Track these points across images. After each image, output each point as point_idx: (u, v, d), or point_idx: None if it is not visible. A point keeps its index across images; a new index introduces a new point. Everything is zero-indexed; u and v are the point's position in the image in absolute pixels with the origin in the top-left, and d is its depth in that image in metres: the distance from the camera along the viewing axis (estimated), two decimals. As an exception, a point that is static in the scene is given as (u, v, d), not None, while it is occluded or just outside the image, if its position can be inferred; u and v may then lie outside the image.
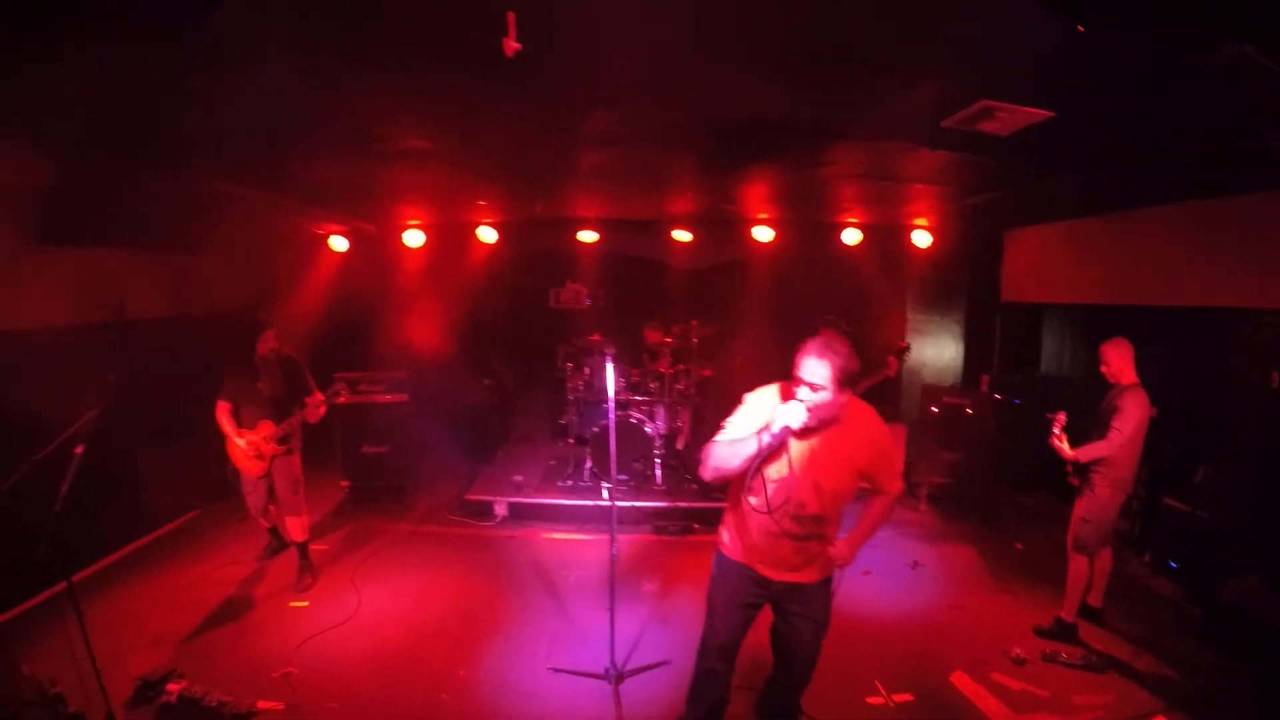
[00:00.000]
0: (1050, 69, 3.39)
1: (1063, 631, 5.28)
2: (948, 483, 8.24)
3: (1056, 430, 5.09)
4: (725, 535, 3.78)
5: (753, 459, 3.21)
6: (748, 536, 3.58)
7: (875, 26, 3.08)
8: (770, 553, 3.54)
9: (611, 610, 4.72)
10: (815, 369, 3.14)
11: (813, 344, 3.20)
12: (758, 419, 3.31)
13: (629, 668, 4.85)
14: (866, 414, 3.47)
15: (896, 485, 3.68)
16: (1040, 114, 4.05)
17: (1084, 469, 5.11)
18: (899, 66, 3.57)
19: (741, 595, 3.71)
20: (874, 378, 6.39)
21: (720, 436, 3.44)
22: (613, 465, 4.87)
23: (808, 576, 3.60)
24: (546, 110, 4.37)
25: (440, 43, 3.27)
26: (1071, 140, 4.64)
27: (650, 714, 4.48)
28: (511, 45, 2.81)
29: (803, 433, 3.23)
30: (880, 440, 3.51)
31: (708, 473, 3.42)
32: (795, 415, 3.14)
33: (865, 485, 3.62)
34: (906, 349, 6.54)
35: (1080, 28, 2.64)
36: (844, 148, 5.40)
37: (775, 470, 3.34)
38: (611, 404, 4.87)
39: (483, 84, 3.80)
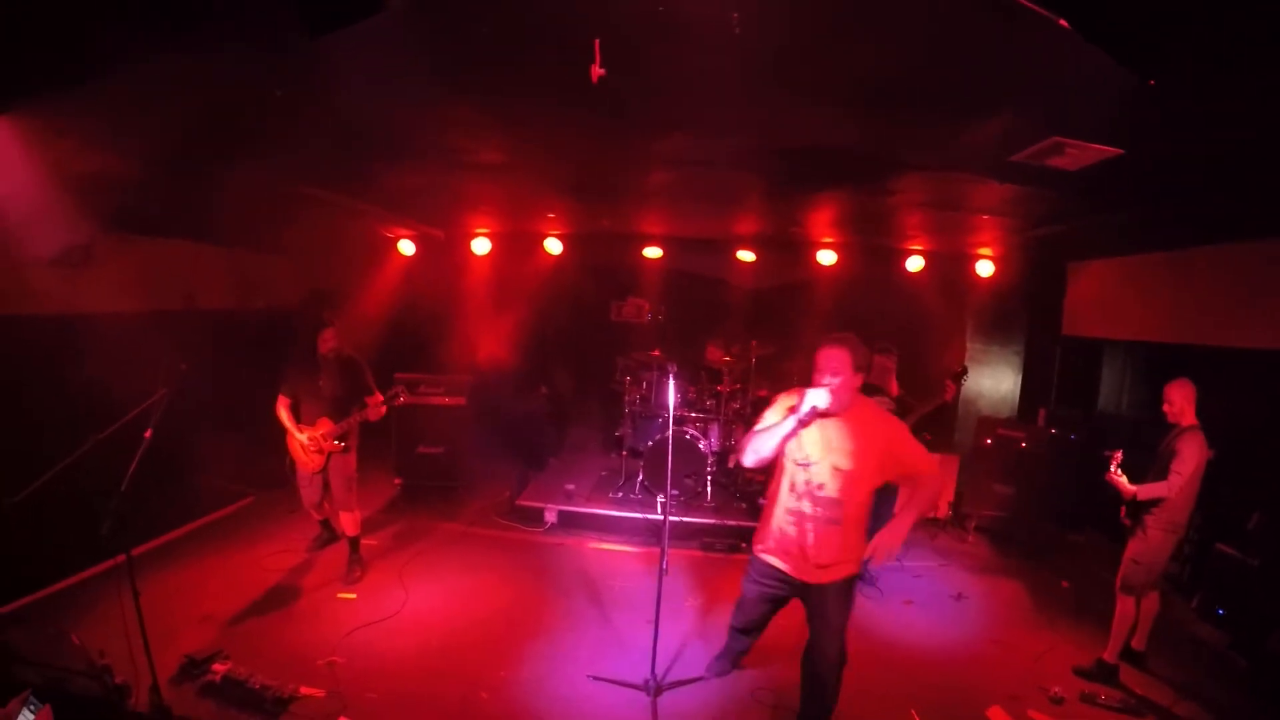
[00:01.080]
0: (1122, 111, 3.39)
1: (1103, 672, 5.14)
2: (998, 516, 8.06)
3: (1114, 467, 4.96)
4: (759, 533, 4.24)
5: (786, 439, 3.79)
6: (774, 527, 4.06)
7: (955, 64, 3.09)
8: (795, 543, 3.95)
9: (656, 623, 4.68)
10: (833, 355, 3.74)
11: (827, 339, 3.81)
12: (785, 411, 3.85)
13: (667, 681, 4.80)
14: (873, 405, 4.01)
15: (927, 465, 3.94)
16: (1109, 151, 4.02)
17: (1138, 510, 4.97)
18: (975, 102, 3.57)
19: (767, 590, 4.25)
20: (932, 403, 6.26)
21: (757, 427, 3.94)
22: (668, 479, 4.85)
23: (828, 577, 3.96)
24: (623, 132, 4.45)
25: (529, 68, 3.38)
26: (1139, 176, 4.57)
27: (687, 727, 4.42)
28: (597, 71, 2.94)
29: (824, 416, 3.74)
30: (890, 424, 3.97)
31: (747, 456, 3.94)
32: (821, 397, 3.65)
33: (895, 480, 3.99)
34: (964, 373, 6.39)
35: (1150, 82, 2.59)
36: (912, 177, 5.38)
37: (799, 453, 3.86)
38: (671, 420, 4.86)
39: (564, 105, 3.91)
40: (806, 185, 5.88)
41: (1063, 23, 2.44)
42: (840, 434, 3.79)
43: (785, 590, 4.16)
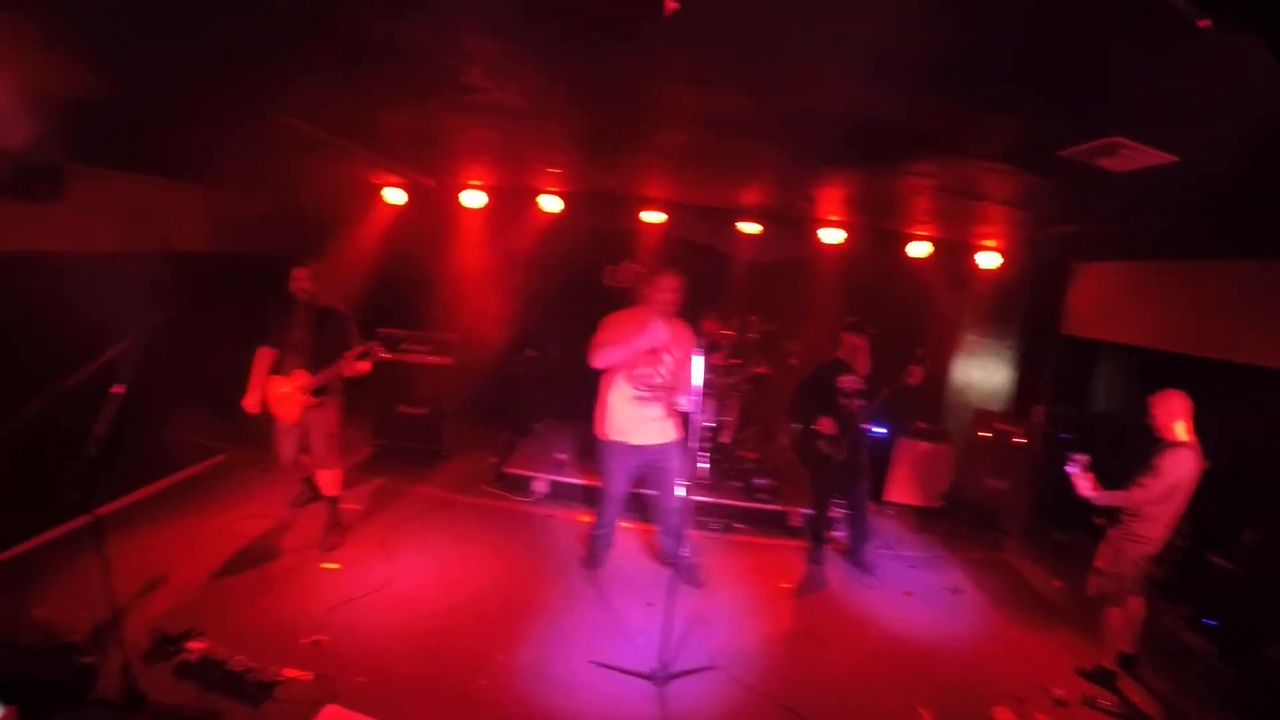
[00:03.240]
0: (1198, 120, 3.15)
1: (1103, 677, 5.08)
2: (992, 510, 7.98)
3: (1075, 468, 4.89)
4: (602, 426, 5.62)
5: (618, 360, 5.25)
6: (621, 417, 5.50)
7: (1055, 47, 2.77)
8: (640, 424, 5.45)
9: (668, 612, 4.44)
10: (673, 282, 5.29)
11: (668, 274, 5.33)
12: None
13: (675, 669, 4.56)
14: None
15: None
16: (1165, 157, 3.77)
17: (1114, 517, 4.91)
18: (1063, 90, 3.25)
19: (628, 465, 5.60)
20: (896, 385, 6.10)
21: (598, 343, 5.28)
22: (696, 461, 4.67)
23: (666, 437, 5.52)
24: (665, 80, 4.04)
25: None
26: (1175, 184, 4.29)
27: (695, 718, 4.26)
28: (670, 4, 2.56)
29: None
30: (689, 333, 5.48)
31: (602, 359, 5.25)
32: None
33: None
34: (926, 355, 6.20)
35: None
36: (938, 161, 5.07)
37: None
38: (698, 395, 4.57)
39: (613, 45, 3.49)
40: (831, 159, 5.55)
41: (1204, 23, 2.15)
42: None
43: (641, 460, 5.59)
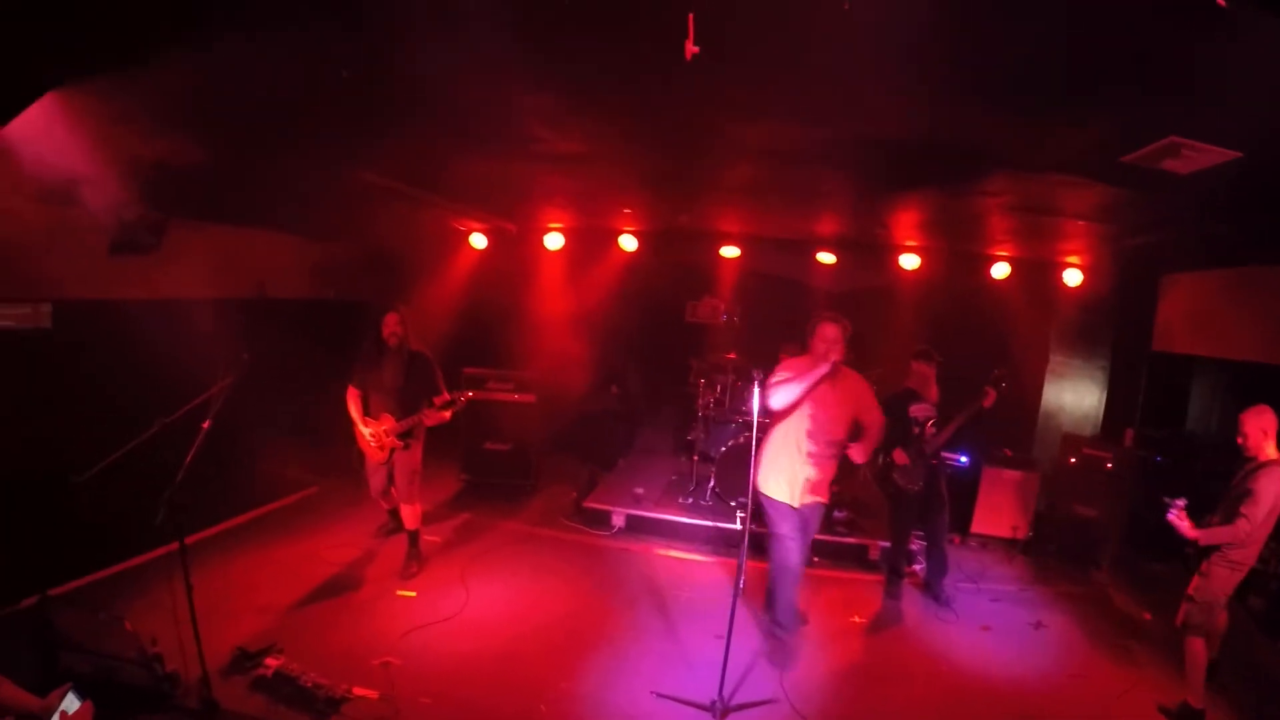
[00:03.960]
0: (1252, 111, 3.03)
1: (1187, 716, 4.68)
2: (1081, 540, 7.57)
3: (1174, 514, 4.56)
4: (771, 483, 5.11)
5: (806, 391, 4.84)
6: (787, 468, 5.05)
7: (1084, 53, 2.76)
8: (804, 478, 5.04)
9: (728, 642, 4.36)
10: (832, 331, 4.91)
11: (829, 315, 5.01)
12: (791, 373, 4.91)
13: (735, 702, 4.51)
14: (853, 373, 5.27)
15: (878, 416, 5.29)
16: (1228, 154, 3.62)
17: (1204, 548, 4.59)
18: (1098, 96, 3.20)
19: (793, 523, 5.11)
20: (970, 409, 5.92)
21: (774, 381, 4.93)
22: (750, 492, 4.65)
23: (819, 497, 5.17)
24: (709, 118, 4.16)
25: (617, 44, 3.12)
26: (1255, 183, 4.11)
27: (753, 755, 4.15)
28: (690, 49, 2.69)
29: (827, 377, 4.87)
30: (862, 385, 5.26)
31: (776, 400, 4.86)
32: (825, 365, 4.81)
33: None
34: (1004, 377, 6.00)
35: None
36: (1008, 178, 5.00)
37: (806, 407, 4.97)
38: (755, 427, 4.61)
39: (651, 90, 3.65)
40: (896, 183, 5.54)
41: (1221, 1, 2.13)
42: (834, 391, 5.01)
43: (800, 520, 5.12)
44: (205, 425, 4.03)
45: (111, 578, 5.32)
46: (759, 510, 5.16)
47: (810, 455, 5.00)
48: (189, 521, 5.40)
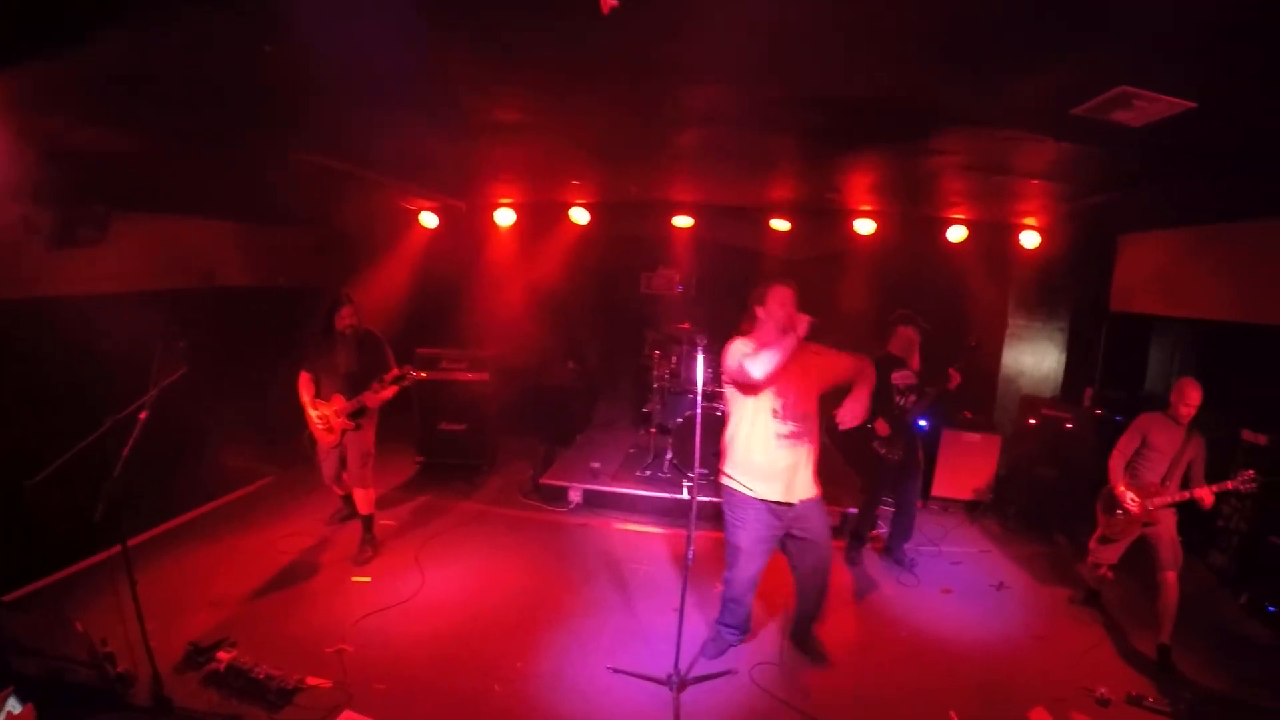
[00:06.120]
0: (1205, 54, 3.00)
1: (1164, 659, 4.93)
2: (1041, 500, 7.70)
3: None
4: (741, 476, 4.48)
5: (780, 362, 4.11)
6: (761, 459, 4.41)
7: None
8: (781, 473, 4.40)
9: (681, 615, 4.40)
10: (788, 293, 4.41)
11: (783, 280, 4.50)
12: (751, 348, 4.28)
13: (693, 674, 4.56)
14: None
15: (856, 360, 4.75)
16: (1181, 104, 3.57)
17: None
18: (1041, 45, 3.15)
19: (765, 527, 4.48)
20: (937, 389, 5.97)
21: (746, 351, 4.28)
22: (696, 460, 4.50)
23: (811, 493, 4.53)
24: (640, 79, 4.07)
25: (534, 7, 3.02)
26: (1212, 134, 4.09)
27: (711, 727, 4.18)
28: (608, 1, 2.56)
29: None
30: (813, 346, 4.41)
31: (757, 370, 4.14)
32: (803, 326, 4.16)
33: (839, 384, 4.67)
34: (977, 347, 6.02)
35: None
36: (959, 135, 4.93)
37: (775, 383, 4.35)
38: (699, 395, 4.54)
39: (571, 46, 3.55)
40: (845, 145, 5.44)
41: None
42: (793, 361, 4.26)
43: (781, 521, 4.49)
44: (142, 416, 3.92)
45: (65, 580, 5.20)
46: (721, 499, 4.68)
47: (786, 437, 4.38)
48: (139, 518, 5.35)
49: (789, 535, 4.56)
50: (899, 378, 6.11)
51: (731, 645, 4.91)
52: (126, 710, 3.87)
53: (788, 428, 4.38)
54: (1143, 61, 3.20)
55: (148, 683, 3.87)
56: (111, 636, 3.97)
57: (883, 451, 6.11)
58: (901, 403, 6.07)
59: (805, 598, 4.83)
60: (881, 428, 6.03)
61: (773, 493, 4.38)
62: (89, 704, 3.85)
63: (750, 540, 4.49)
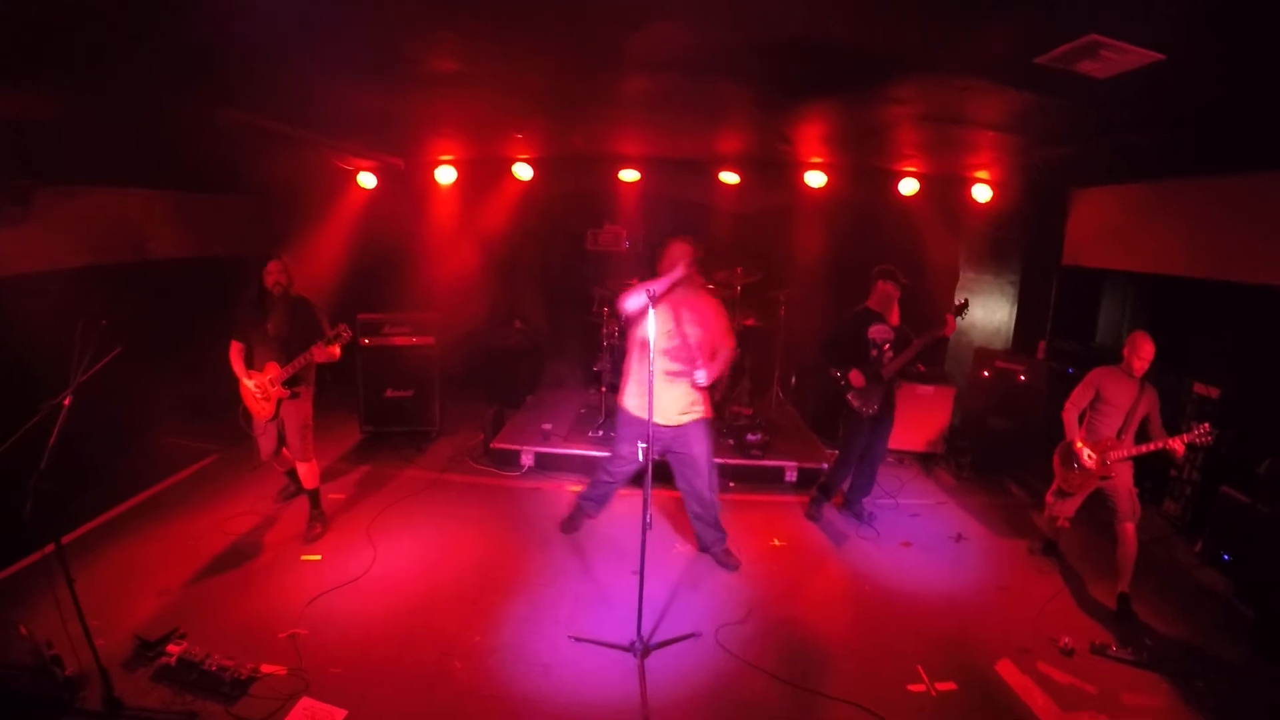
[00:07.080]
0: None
1: (1124, 608, 5.06)
2: (995, 452, 7.84)
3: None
4: (633, 401, 5.32)
5: (656, 299, 4.58)
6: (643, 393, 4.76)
7: None
8: (664, 401, 5.10)
9: (641, 577, 4.37)
10: (680, 248, 5.10)
11: (674, 236, 5.24)
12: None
13: (656, 640, 4.54)
14: (709, 297, 5.52)
15: (729, 340, 5.40)
16: (1150, 56, 3.51)
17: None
18: None
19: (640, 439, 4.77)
20: (929, 335, 5.93)
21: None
22: (650, 422, 4.44)
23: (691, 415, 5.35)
24: (583, 19, 3.87)
25: None
26: (1174, 89, 4.07)
27: (677, 692, 4.16)
28: None
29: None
30: (714, 307, 5.40)
31: (629, 305, 5.01)
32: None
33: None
34: (965, 306, 6.03)
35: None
36: (916, 83, 4.82)
37: (670, 325, 5.19)
38: (651, 350, 4.41)
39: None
40: (799, 91, 5.31)
41: None
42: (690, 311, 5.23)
43: (660, 440, 5.14)
44: (66, 402, 3.66)
45: (5, 582, 4.86)
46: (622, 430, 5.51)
47: (673, 375, 5.18)
48: (77, 509, 5.04)
49: (669, 451, 5.41)
50: (876, 332, 6.09)
51: (590, 517, 6.03)
52: (77, 716, 3.68)
53: (664, 363, 5.12)
54: (1117, 8, 3.11)
55: (98, 684, 3.68)
56: (57, 637, 3.76)
57: (856, 404, 6.10)
58: (878, 356, 6.05)
59: (693, 504, 5.58)
60: (856, 379, 6.01)
61: (655, 416, 4.63)
62: (36, 712, 3.64)
63: (630, 449, 4.92)
